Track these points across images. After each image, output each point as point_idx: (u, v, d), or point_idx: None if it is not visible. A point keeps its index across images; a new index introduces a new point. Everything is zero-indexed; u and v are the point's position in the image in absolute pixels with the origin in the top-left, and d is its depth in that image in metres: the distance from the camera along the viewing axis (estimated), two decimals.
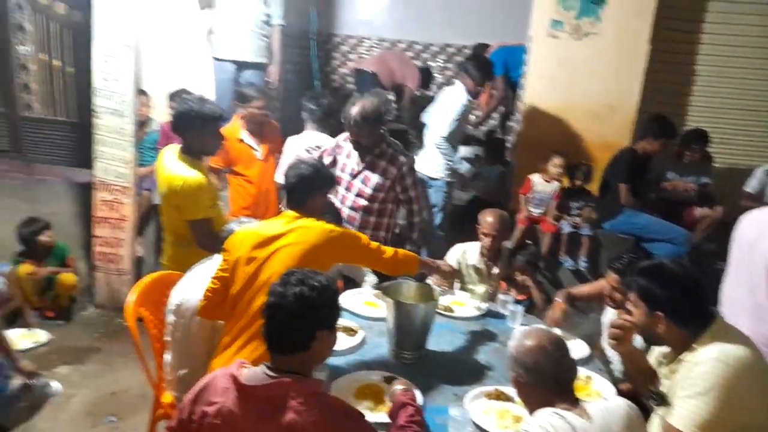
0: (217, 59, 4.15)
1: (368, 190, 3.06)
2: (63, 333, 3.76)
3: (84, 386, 3.21)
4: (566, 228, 3.99)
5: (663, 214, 4.03)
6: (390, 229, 3.23)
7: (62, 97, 4.80)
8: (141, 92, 4.11)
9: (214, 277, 2.09)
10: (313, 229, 2.06)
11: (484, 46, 5.24)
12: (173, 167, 2.64)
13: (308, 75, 5.49)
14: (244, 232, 2.09)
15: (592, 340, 2.61)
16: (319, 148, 3.49)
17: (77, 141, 4.76)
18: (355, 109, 2.87)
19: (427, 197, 3.80)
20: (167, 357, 2.30)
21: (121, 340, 3.70)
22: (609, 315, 2.63)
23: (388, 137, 3.12)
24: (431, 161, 3.89)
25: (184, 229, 2.70)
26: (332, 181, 2.36)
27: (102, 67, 3.72)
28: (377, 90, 3.82)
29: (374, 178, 3.04)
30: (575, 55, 4.20)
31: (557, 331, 2.13)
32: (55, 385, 2.20)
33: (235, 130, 3.52)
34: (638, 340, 1.88)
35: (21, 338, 3.54)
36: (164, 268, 2.78)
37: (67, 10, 4.59)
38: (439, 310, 2.52)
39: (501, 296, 2.80)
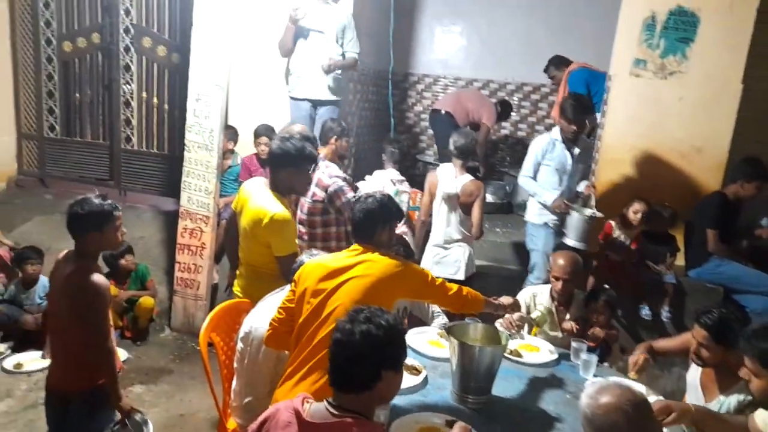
0: (293, 98, 4.36)
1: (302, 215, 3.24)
2: (140, 353, 3.95)
3: (155, 406, 3.34)
4: (648, 275, 3.76)
5: (756, 263, 3.72)
6: (342, 238, 3.26)
7: (158, 132, 5.19)
8: (227, 127, 4.36)
9: (280, 307, 2.14)
10: (378, 262, 2.06)
11: (562, 60, 5.04)
12: (264, 201, 2.70)
13: (384, 113, 5.62)
14: (313, 264, 2.13)
15: (675, 399, 2.41)
16: (403, 181, 3.64)
17: (167, 172, 5.11)
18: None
19: None
20: (234, 384, 2.36)
21: (193, 364, 3.84)
22: (694, 373, 2.42)
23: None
24: (529, 206, 3.87)
25: (261, 262, 2.76)
26: (399, 214, 2.32)
27: (195, 105, 4.00)
28: (465, 131, 3.89)
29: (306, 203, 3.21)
30: (660, 94, 4.04)
31: (638, 387, 1.97)
32: (150, 427, 2.28)
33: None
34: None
35: None
36: (234, 297, 2.87)
37: (168, 52, 5.01)
38: (506, 355, 2.43)
39: (573, 344, 2.66)
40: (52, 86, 5.36)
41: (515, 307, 2.52)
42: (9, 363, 3.62)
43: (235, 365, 2.35)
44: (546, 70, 5.08)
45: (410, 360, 2.35)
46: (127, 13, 4.99)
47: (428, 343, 2.61)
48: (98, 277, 2.17)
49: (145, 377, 3.64)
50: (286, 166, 2.73)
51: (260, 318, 2.29)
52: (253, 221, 2.71)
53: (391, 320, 1.52)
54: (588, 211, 3.63)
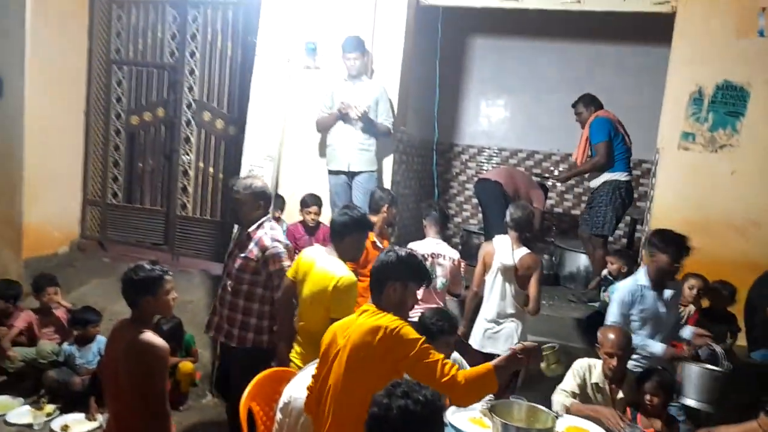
0: (330, 171, 4.56)
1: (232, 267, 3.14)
2: (181, 418, 3.95)
3: None
4: (705, 355, 3.54)
5: None
6: (264, 316, 3.14)
7: (212, 200, 5.44)
8: (276, 196, 4.53)
9: (313, 375, 2.14)
10: (363, 325, 1.98)
11: (593, 100, 4.81)
12: (331, 265, 2.81)
13: (429, 182, 5.72)
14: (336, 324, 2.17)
15: None
16: (439, 255, 3.63)
17: (218, 238, 5.30)
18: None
19: None
20: None
21: None
22: None
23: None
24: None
25: (322, 329, 2.78)
26: (419, 276, 2.16)
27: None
28: (522, 203, 3.93)
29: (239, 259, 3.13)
30: (711, 168, 3.97)
31: None
32: None
33: (369, 234, 3.74)
34: None
35: None
36: (291, 366, 2.87)
37: (225, 125, 5.33)
38: None
39: (627, 428, 2.51)
40: (118, 156, 5.76)
41: (533, 351, 2.15)
42: (56, 424, 3.69)
43: None
44: (574, 106, 4.90)
45: None
46: (190, 89, 5.38)
47: (469, 421, 2.52)
48: (159, 341, 2.27)
49: None
50: (351, 233, 2.86)
51: (300, 387, 2.28)
52: (318, 285, 2.78)
53: (430, 396, 1.50)
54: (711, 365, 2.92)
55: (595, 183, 4.65)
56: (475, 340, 3.59)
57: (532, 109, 6.40)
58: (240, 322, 3.13)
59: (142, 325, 2.30)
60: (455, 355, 2.91)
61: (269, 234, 3.13)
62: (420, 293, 3.03)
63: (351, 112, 4.26)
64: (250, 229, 3.14)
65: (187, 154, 5.47)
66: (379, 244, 3.82)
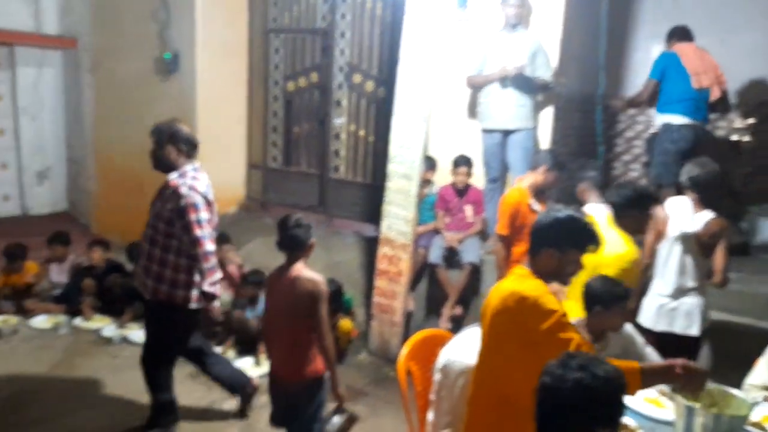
0: (484, 130, 4.32)
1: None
2: (339, 373, 4.14)
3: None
4: None
5: None
6: (180, 269, 2.92)
7: (363, 162, 5.54)
8: (426, 158, 4.45)
9: None
10: (504, 290, 1.87)
11: (673, 33, 4.42)
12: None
13: (590, 140, 5.23)
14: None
15: None
16: None
17: (370, 200, 5.40)
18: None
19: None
20: (430, 415, 2.30)
21: (387, 388, 3.91)
22: None
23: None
24: None
25: None
26: (584, 241, 1.89)
27: (398, 136, 4.16)
28: (703, 159, 3.41)
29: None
30: None
31: None
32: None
33: (524, 196, 3.52)
34: None
35: None
36: None
37: (375, 87, 5.34)
38: (748, 428, 1.99)
39: None
40: (276, 122, 6.08)
41: (697, 377, 1.79)
42: None
43: (431, 396, 2.29)
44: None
45: (624, 418, 2.04)
46: (342, 53, 5.45)
47: (645, 401, 2.28)
48: (319, 277, 2.54)
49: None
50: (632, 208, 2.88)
51: (458, 350, 2.24)
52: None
53: (612, 372, 1.34)
54: None
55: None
56: (647, 317, 3.20)
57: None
58: (155, 273, 2.95)
59: (298, 267, 2.57)
60: (628, 326, 2.62)
61: (188, 183, 2.94)
62: None
63: (510, 71, 4.00)
64: (169, 177, 3.00)
65: (340, 118, 5.60)
66: (535, 207, 3.57)
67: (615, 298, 2.43)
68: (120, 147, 6.65)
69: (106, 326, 4.70)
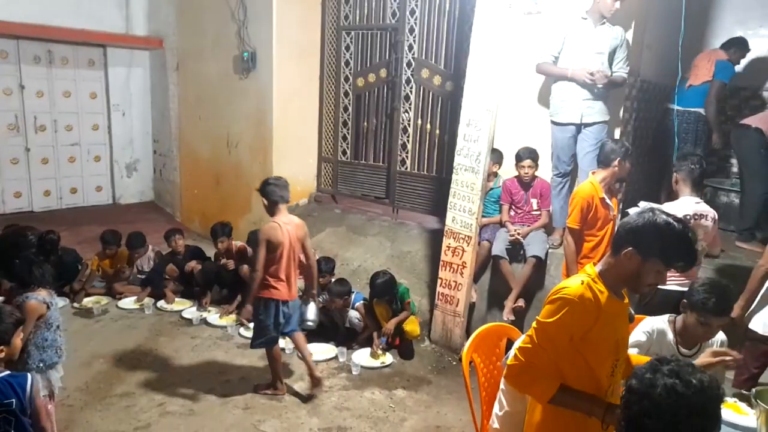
0: (557, 123, 4.23)
1: None
2: (402, 359, 4.25)
3: (415, 413, 3.54)
4: None
5: None
6: None
7: (428, 155, 5.60)
8: (492, 150, 4.44)
9: None
10: (554, 294, 1.81)
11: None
12: None
13: (667, 134, 5.01)
14: None
15: None
16: (702, 216, 3.18)
17: (435, 192, 5.45)
18: None
19: None
20: (496, 407, 2.33)
21: (450, 378, 3.97)
22: None
23: None
24: None
25: None
26: (670, 255, 1.72)
27: (465, 129, 4.18)
28: None
29: None
30: None
31: None
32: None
33: (597, 190, 3.48)
34: None
35: (370, 359, 4.18)
36: None
37: (442, 81, 5.38)
38: None
39: None
40: (346, 117, 6.25)
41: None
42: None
43: (502, 387, 2.32)
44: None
45: None
46: (410, 48, 5.52)
47: (724, 407, 2.19)
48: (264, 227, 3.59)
49: (407, 383, 3.89)
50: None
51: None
52: None
53: (707, 381, 1.27)
54: None
55: None
56: (760, 324, 2.90)
57: None
58: None
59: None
60: (720, 335, 2.52)
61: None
62: None
63: (597, 80, 3.92)
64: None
65: (407, 112, 5.68)
66: (608, 201, 3.51)
67: (711, 311, 2.33)
68: (201, 141, 7.09)
69: (187, 309, 5.05)
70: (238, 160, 6.58)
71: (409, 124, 5.68)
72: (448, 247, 4.33)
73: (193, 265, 5.29)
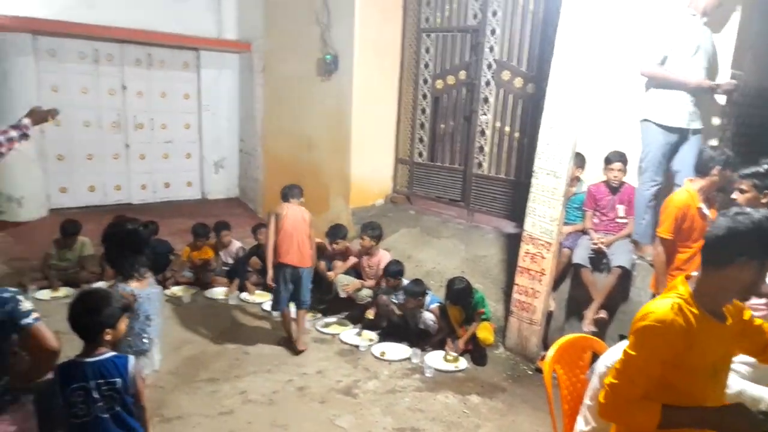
0: (659, 125, 4.00)
1: None
2: (475, 365, 4.22)
3: (489, 420, 3.51)
4: None
5: None
6: None
7: (507, 159, 5.52)
8: (576, 155, 4.31)
9: None
10: (640, 319, 1.69)
11: None
12: None
13: (765, 138, 4.66)
14: None
15: None
16: None
17: (512, 196, 5.37)
18: None
19: None
20: (580, 422, 2.27)
21: (526, 386, 3.90)
22: None
23: None
24: None
25: None
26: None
27: (547, 133, 4.09)
28: None
29: None
30: None
31: None
32: None
33: (694, 199, 3.31)
34: None
35: (444, 362, 4.18)
36: None
37: (524, 84, 5.28)
38: None
39: None
40: (424, 119, 6.28)
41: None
42: (376, 350, 4.35)
43: (586, 401, 2.26)
44: None
45: None
46: (491, 50, 5.47)
47: None
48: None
49: (481, 389, 3.87)
50: None
51: (614, 357, 2.17)
52: None
53: None
54: None
55: None
56: None
57: None
58: None
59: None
60: None
61: None
62: None
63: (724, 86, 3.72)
64: None
65: (485, 114, 5.63)
66: (706, 211, 3.32)
67: None
68: (284, 140, 7.36)
69: (267, 301, 5.27)
70: (316, 160, 6.78)
71: (487, 127, 5.63)
72: (527, 253, 4.25)
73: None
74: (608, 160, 4.23)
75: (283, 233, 4.24)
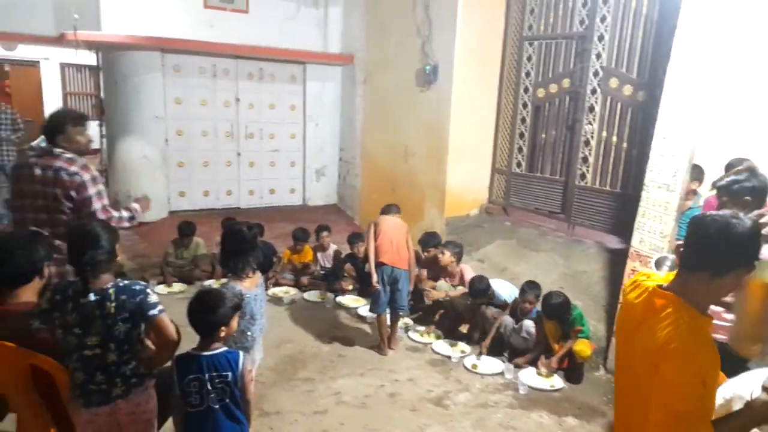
0: None
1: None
2: (573, 385, 4.04)
3: None
4: None
5: None
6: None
7: (612, 170, 5.24)
8: (693, 167, 4.01)
9: None
10: (654, 336, 1.56)
11: None
12: None
13: None
14: None
15: None
16: None
17: (617, 210, 5.08)
18: None
19: None
20: None
21: None
22: None
23: None
24: None
25: None
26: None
27: (660, 143, 3.84)
28: None
29: None
30: None
31: None
32: None
33: None
34: None
35: (538, 379, 4.04)
36: None
37: (633, 91, 4.99)
38: None
39: None
40: (523, 128, 6.14)
41: None
42: (468, 362, 4.30)
43: None
44: None
45: None
46: (598, 56, 5.23)
47: None
48: None
49: (578, 412, 3.69)
50: None
51: (744, 385, 2.00)
52: None
53: None
54: None
55: None
56: None
57: None
58: None
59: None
60: None
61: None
62: None
63: None
64: None
65: (590, 124, 5.39)
66: None
67: None
68: (381, 149, 7.52)
69: (362, 306, 5.40)
70: (413, 169, 6.85)
71: (592, 137, 5.38)
72: (633, 270, 4.00)
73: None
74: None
75: (382, 236, 4.41)
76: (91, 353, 2.11)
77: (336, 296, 5.65)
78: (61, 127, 3.03)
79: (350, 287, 5.78)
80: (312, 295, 5.69)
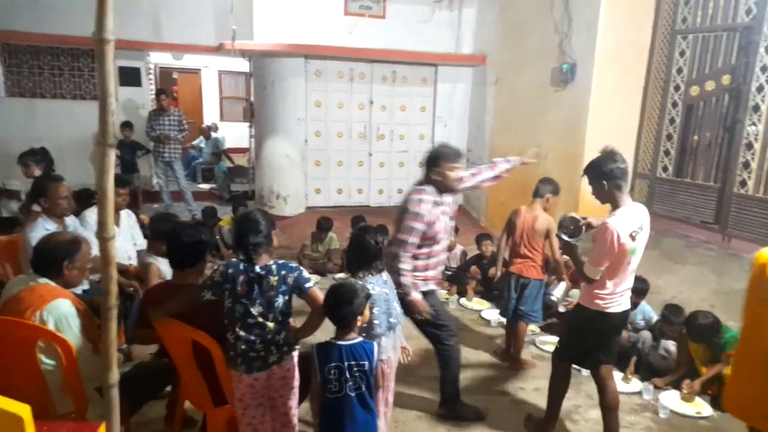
0: None
1: None
2: (718, 411, 3.64)
3: None
4: None
5: None
6: None
7: None
8: None
9: None
10: None
11: None
12: None
13: None
14: None
15: None
16: None
17: None
18: None
19: None
20: None
21: None
22: None
23: None
24: None
25: None
26: None
27: None
28: None
29: None
30: None
31: None
32: None
33: None
34: None
35: (682, 403, 3.71)
36: None
37: None
38: None
39: None
40: (672, 129, 5.65)
41: None
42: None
43: None
44: None
45: None
46: (767, 50, 4.66)
47: None
48: None
49: None
50: None
51: None
52: None
53: None
54: None
55: None
56: None
57: None
58: None
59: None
60: None
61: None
62: None
63: None
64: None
65: (754, 125, 4.82)
66: None
67: None
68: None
69: (486, 309, 5.34)
70: (545, 172, 6.60)
71: (756, 139, 4.81)
72: None
73: (493, 272, 5.55)
74: None
75: (512, 241, 4.30)
76: (254, 321, 2.41)
77: (459, 297, 5.65)
78: (435, 160, 3.24)
79: (475, 290, 5.74)
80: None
